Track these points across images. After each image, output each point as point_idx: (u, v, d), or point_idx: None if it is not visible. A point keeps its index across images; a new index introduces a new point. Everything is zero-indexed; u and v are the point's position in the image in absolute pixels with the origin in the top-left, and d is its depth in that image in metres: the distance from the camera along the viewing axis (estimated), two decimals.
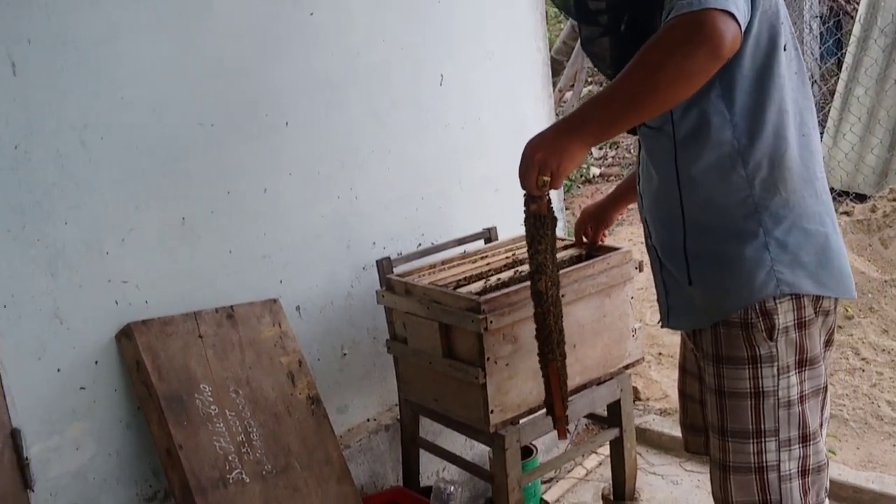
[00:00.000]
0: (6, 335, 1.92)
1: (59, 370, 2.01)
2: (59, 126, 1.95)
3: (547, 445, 3.05)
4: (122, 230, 2.09)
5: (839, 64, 6.65)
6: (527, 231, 1.69)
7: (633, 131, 1.77)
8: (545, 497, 2.89)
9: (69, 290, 2.01)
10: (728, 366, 1.70)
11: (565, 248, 2.48)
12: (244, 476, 2.05)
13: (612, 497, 2.58)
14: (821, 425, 1.77)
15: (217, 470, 2.02)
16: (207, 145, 2.23)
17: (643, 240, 1.91)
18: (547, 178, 1.57)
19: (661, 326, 1.92)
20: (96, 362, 2.07)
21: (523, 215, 1.69)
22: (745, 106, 1.59)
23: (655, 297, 1.92)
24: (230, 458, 2.06)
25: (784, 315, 1.65)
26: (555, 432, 1.93)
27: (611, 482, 2.61)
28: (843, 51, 6.42)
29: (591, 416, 2.71)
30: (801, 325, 1.67)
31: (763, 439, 1.69)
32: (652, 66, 1.43)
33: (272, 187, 2.40)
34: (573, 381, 2.30)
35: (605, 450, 3.13)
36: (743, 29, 1.44)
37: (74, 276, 2.01)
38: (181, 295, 2.21)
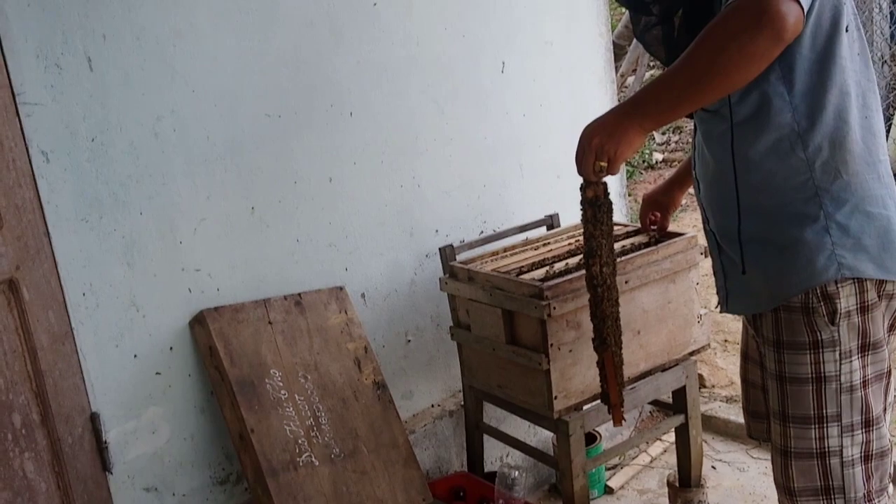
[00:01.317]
0: (85, 323, 1.99)
1: (135, 356, 2.08)
2: (133, 119, 2.02)
3: (611, 432, 3.04)
4: (194, 220, 2.15)
5: None
6: (583, 216, 1.70)
7: (689, 115, 1.75)
8: (609, 483, 2.89)
9: (144, 279, 2.07)
10: (789, 351, 1.68)
11: (630, 234, 2.47)
12: (313, 459, 2.10)
13: (677, 484, 2.57)
14: (884, 410, 1.73)
15: (287, 453, 2.07)
16: (274, 136, 2.28)
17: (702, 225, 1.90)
18: (604, 164, 1.57)
19: (720, 311, 1.90)
20: (171, 348, 2.14)
21: (581, 203, 1.69)
22: (805, 88, 1.57)
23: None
24: (300, 441, 2.10)
25: (846, 299, 1.62)
26: None
27: (676, 469, 2.60)
28: None
29: (657, 403, 2.70)
30: (864, 309, 1.64)
31: (825, 424, 1.67)
32: (714, 49, 1.42)
33: (337, 176, 2.43)
34: (637, 367, 2.30)
35: (671, 437, 3.10)
36: (805, 11, 1.42)
37: (149, 265, 2.08)
38: (251, 282, 2.27)
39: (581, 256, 2.34)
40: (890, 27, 6.66)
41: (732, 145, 1.66)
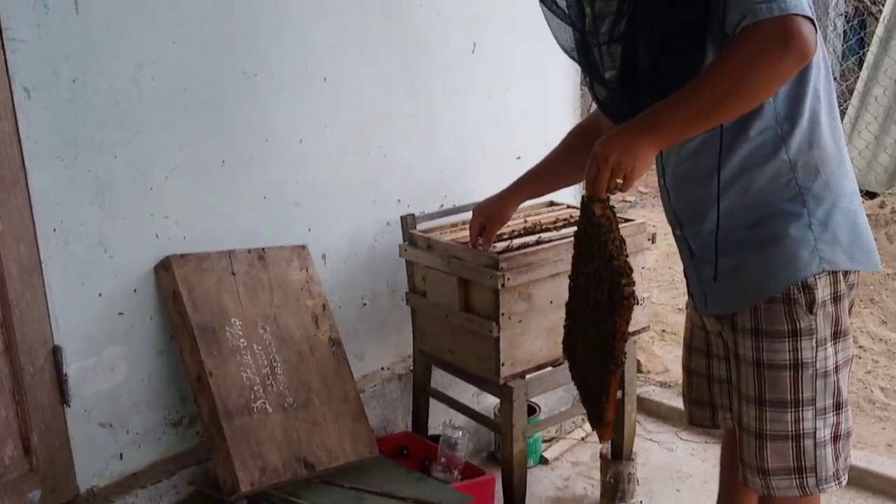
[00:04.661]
0: (54, 258, 2.04)
1: (100, 295, 2.13)
2: (114, 64, 2.06)
3: (549, 407, 3.17)
4: (166, 168, 2.20)
5: (860, 63, 6.72)
6: (591, 235, 1.67)
7: None
8: (545, 455, 3.02)
9: (114, 221, 2.13)
10: (768, 339, 1.75)
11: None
12: (267, 406, 2.18)
13: (609, 456, 2.71)
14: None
15: (243, 398, 2.15)
16: (250, 94, 2.34)
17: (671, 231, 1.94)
18: (620, 181, 1.57)
19: (699, 313, 1.96)
20: (135, 290, 2.20)
21: (586, 220, 1.68)
22: (786, 93, 1.64)
23: (677, 281, 1.99)
24: (255, 388, 2.19)
25: (822, 290, 1.72)
26: (558, 392, 1.99)
27: (609, 443, 2.74)
28: (865, 50, 6.48)
29: None
30: (837, 298, 1.75)
31: (801, 408, 1.76)
32: (739, 70, 1.47)
33: (307, 139, 2.51)
34: None
35: None
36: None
37: (120, 208, 2.13)
38: (217, 234, 2.33)
39: (539, 236, 2.46)
40: (842, 45, 6.93)
41: (720, 151, 1.70)
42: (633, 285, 1.64)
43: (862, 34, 7.47)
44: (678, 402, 3.13)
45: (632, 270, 1.64)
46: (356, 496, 2.16)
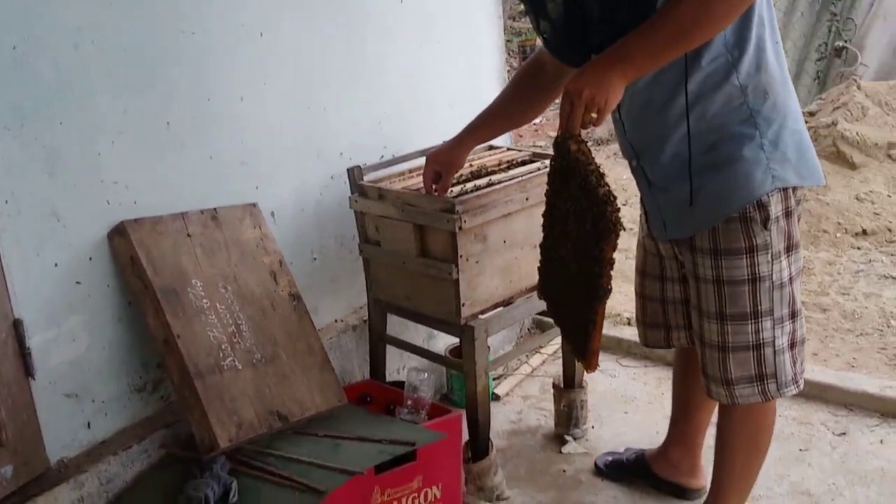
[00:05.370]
0: (7, 230, 1.99)
1: (56, 265, 2.10)
2: (53, 30, 2.00)
3: (494, 347, 3.28)
4: (112, 133, 2.17)
5: None
6: (569, 172, 1.71)
7: None
8: (496, 391, 3.13)
9: (65, 189, 2.09)
10: (727, 257, 1.87)
11: (534, 159, 2.66)
12: (237, 363, 2.20)
13: (562, 385, 2.84)
14: None
15: (212, 357, 2.17)
16: (189, 53, 2.31)
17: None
18: (594, 116, 1.61)
19: (659, 240, 2.06)
20: (90, 259, 2.17)
21: (561, 158, 1.72)
22: (735, 21, 1.71)
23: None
24: (223, 346, 2.20)
25: (775, 206, 1.84)
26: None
27: (560, 375, 2.86)
28: None
29: (536, 320, 2.95)
30: (788, 213, 1.87)
31: (760, 319, 1.90)
32: (702, 2, 1.55)
33: (248, 96, 2.49)
34: (533, 279, 2.51)
35: (548, 350, 3.39)
36: None
37: (70, 176, 2.09)
38: (167, 197, 2.31)
39: (490, 179, 2.51)
40: None
41: (686, 79, 1.78)
42: (619, 211, 1.70)
43: None
44: (616, 332, 3.31)
45: (615, 198, 1.70)
46: (332, 443, 2.22)
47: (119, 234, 2.18)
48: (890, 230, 4.34)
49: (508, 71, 3.59)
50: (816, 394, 2.90)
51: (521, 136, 6.99)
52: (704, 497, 2.32)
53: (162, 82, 2.26)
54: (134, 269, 2.17)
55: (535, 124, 7.30)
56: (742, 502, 2.20)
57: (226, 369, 2.18)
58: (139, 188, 2.25)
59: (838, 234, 4.36)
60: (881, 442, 2.69)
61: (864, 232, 4.36)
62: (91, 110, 2.11)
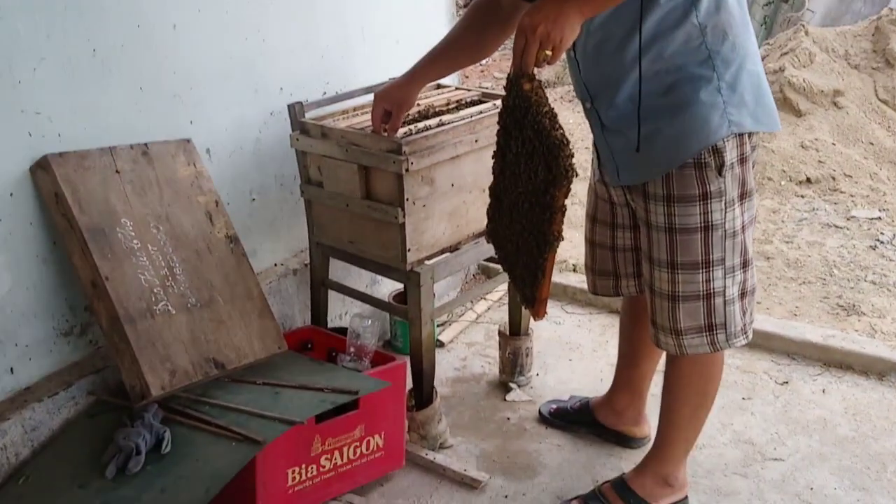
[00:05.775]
0: None
1: None
2: None
3: (439, 293, 3.22)
4: (33, 59, 2.00)
5: None
6: (522, 112, 1.65)
7: None
8: (440, 338, 3.07)
9: None
10: (680, 204, 1.81)
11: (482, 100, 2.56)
12: (170, 308, 2.09)
13: (507, 333, 2.79)
14: None
15: (144, 301, 2.05)
16: None
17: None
18: (549, 53, 1.55)
19: (612, 185, 2.00)
20: (11, 195, 2.02)
21: (514, 97, 1.64)
22: None
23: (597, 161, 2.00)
24: (155, 290, 2.09)
25: (730, 152, 1.78)
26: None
27: (507, 322, 2.81)
28: None
29: (491, 260, 2.87)
30: (743, 160, 1.82)
31: (711, 268, 1.85)
32: None
33: (181, 23, 2.33)
34: (481, 223, 2.44)
35: (493, 296, 3.34)
36: None
37: None
38: (94, 130, 2.16)
39: (440, 119, 2.41)
40: None
41: (641, 17, 1.71)
42: (573, 157, 1.64)
43: None
44: (562, 278, 3.27)
45: (569, 142, 1.63)
46: (271, 391, 2.13)
47: (42, 169, 2.03)
48: (834, 178, 4.37)
49: (457, 9, 3.46)
50: (760, 342, 2.91)
51: (466, 77, 6.86)
52: (649, 445, 2.31)
53: (87, 6, 2.10)
54: (59, 207, 2.03)
55: (481, 64, 7.17)
56: (687, 451, 2.19)
57: (158, 314, 2.07)
58: (64, 120, 2.10)
59: (783, 182, 4.38)
60: (823, 391, 2.72)
61: (809, 180, 4.38)
62: (8, 34, 1.95)
